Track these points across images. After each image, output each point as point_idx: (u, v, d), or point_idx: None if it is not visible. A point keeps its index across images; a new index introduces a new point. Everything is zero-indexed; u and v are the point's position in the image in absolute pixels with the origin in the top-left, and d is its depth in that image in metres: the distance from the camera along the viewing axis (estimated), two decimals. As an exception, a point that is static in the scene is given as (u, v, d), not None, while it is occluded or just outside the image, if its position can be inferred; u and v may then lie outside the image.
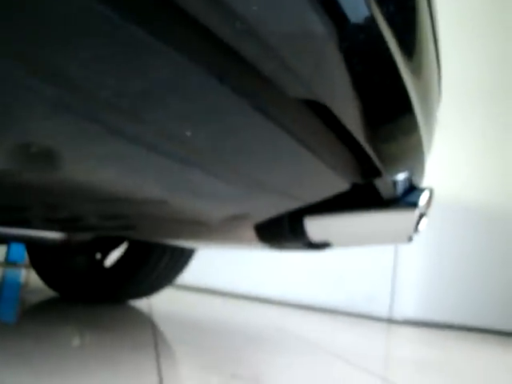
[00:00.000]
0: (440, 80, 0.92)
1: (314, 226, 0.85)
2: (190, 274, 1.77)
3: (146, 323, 1.36)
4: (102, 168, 0.53)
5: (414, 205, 0.77)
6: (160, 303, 1.78)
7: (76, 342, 1.02)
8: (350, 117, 0.53)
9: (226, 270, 2.63)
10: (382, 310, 2.43)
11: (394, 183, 0.78)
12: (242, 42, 0.38)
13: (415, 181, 0.84)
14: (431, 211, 0.84)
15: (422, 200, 0.78)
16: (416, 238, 0.89)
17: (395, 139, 0.66)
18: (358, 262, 2.45)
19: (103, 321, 1.30)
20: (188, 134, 0.46)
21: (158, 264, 1.52)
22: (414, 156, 0.78)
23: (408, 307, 2.46)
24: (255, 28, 0.36)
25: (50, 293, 1.66)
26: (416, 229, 0.81)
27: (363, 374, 1.02)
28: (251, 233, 0.90)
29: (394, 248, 2.45)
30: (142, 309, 1.64)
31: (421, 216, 0.81)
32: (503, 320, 2.36)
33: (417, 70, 0.56)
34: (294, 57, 0.41)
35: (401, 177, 0.78)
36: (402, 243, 0.86)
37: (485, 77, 2.53)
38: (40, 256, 1.71)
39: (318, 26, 0.39)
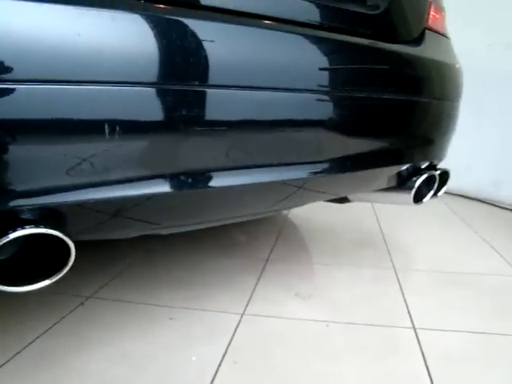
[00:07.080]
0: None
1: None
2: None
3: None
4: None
5: (410, 188, 1.14)
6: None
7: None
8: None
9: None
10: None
11: (398, 173, 1.14)
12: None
13: (419, 165, 1.18)
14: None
15: (417, 183, 1.14)
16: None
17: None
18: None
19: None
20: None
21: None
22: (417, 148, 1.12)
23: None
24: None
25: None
26: (415, 200, 1.18)
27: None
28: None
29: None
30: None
31: (417, 192, 1.16)
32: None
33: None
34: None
35: (403, 167, 1.14)
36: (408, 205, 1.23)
37: None
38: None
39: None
